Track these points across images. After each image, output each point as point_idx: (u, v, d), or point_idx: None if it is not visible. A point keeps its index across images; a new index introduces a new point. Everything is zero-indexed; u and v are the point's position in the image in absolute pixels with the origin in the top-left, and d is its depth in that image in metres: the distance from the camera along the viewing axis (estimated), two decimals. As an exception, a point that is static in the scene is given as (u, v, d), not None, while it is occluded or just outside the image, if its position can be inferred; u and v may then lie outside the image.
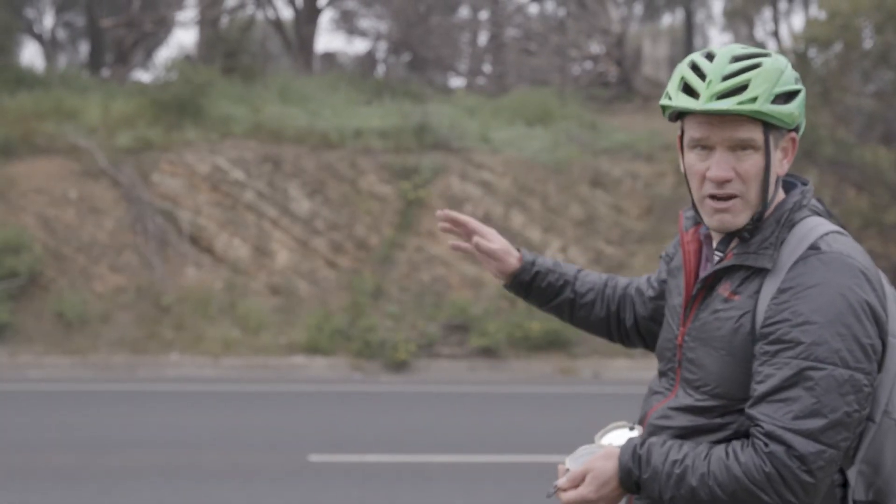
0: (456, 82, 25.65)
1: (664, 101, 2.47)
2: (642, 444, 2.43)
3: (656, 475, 2.38)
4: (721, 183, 2.40)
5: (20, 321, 15.12)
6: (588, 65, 23.41)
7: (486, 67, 24.96)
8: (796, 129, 2.46)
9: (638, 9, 35.53)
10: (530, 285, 2.93)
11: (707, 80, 2.39)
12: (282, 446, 9.63)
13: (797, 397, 2.29)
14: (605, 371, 14.99)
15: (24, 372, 14.20)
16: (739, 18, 24.88)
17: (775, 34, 25.25)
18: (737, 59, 2.42)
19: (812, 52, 16.92)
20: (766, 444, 2.29)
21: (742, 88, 2.37)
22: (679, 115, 2.47)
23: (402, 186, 16.93)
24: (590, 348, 15.48)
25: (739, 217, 2.42)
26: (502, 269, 2.93)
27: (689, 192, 2.49)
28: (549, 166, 17.44)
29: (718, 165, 2.39)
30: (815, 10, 23.07)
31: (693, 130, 2.43)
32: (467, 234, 2.94)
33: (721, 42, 33.34)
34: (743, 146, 2.39)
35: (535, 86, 21.66)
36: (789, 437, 2.28)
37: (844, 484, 2.42)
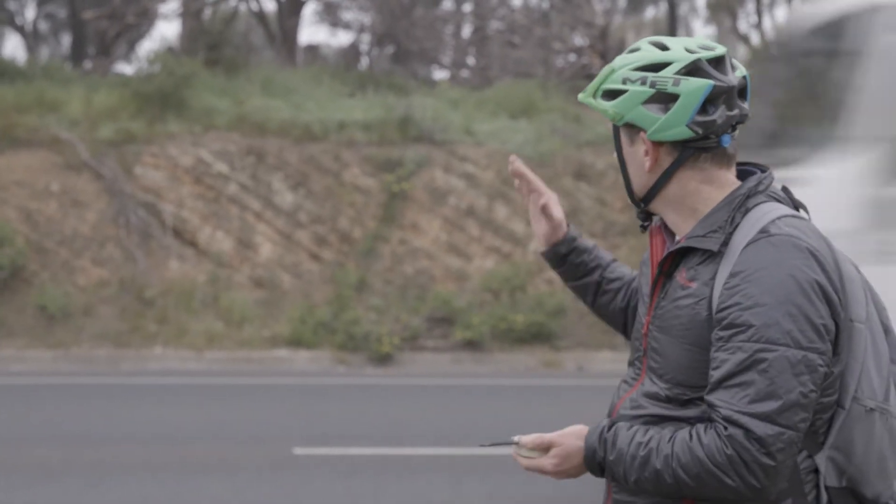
0: (439, 75, 25.63)
1: None
2: (610, 427, 2.45)
3: (621, 457, 2.40)
4: None
5: (2, 315, 15.05)
6: (572, 57, 23.42)
7: (470, 60, 24.95)
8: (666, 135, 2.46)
9: (621, 1, 35.54)
10: (565, 258, 2.95)
11: None
12: (266, 439, 9.62)
13: (752, 381, 2.30)
14: (589, 364, 15.01)
15: (7, 366, 14.15)
16: (723, 11, 24.89)
17: (758, 26, 25.28)
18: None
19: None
20: (725, 428, 2.31)
21: None
22: None
23: (386, 179, 16.90)
24: (574, 341, 15.50)
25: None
26: (549, 236, 2.95)
27: None
28: (532, 159, 17.42)
29: None
30: (798, 2, 23.11)
31: None
32: (528, 190, 2.95)
33: (704, 34, 33.40)
34: None
35: (518, 78, 21.64)
36: (745, 420, 2.29)
37: (817, 470, 2.42)
